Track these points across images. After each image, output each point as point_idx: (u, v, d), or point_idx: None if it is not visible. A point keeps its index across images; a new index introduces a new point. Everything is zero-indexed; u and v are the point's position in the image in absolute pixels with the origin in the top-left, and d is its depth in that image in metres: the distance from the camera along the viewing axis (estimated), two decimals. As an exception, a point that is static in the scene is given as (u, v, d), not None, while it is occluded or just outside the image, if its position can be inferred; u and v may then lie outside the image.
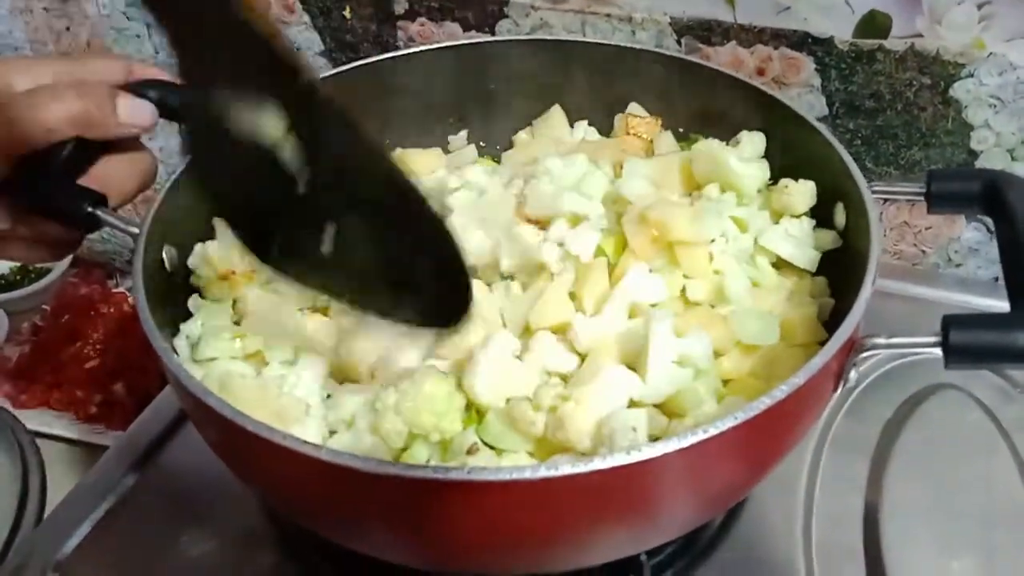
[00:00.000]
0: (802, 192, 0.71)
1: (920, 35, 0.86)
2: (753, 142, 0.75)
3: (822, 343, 0.55)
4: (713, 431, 0.49)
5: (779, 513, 0.73)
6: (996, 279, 0.96)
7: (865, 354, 0.55)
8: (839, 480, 0.75)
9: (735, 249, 0.69)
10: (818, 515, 0.73)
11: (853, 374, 0.56)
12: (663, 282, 0.66)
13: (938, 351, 0.53)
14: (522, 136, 0.87)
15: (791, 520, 0.72)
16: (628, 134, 0.81)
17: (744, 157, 0.74)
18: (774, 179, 0.74)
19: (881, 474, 0.75)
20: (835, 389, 0.57)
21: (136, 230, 0.64)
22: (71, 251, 0.73)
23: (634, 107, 0.84)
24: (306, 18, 1.07)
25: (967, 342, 0.52)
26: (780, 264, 0.70)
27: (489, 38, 0.99)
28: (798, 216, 0.71)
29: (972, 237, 0.95)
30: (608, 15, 0.95)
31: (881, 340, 0.55)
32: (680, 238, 0.66)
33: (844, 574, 0.69)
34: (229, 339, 0.64)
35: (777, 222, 0.72)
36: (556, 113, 0.85)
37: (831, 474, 0.75)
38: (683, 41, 0.94)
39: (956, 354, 0.52)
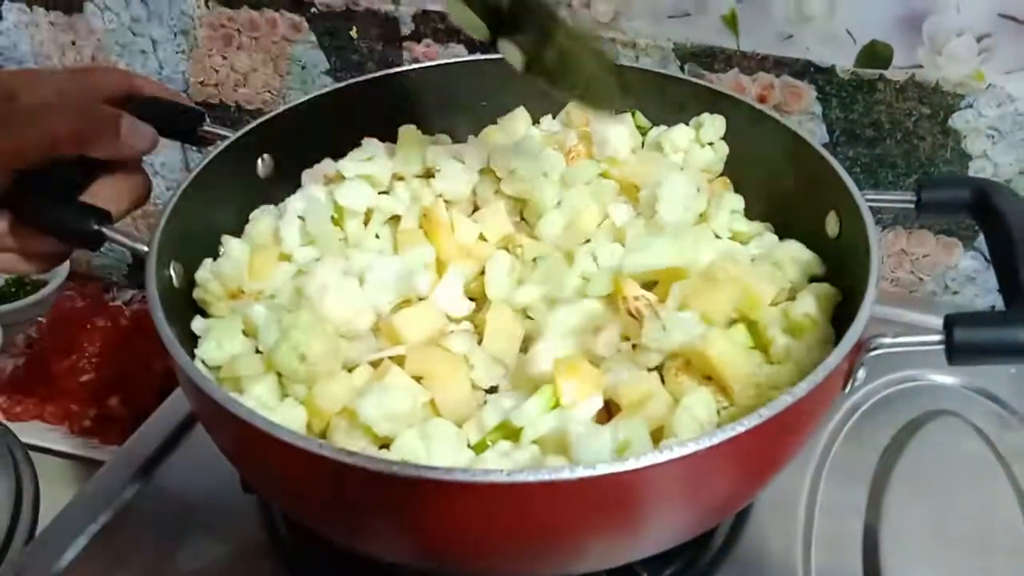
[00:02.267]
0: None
1: (920, 66, 0.87)
2: (714, 126, 0.78)
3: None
4: (740, 428, 0.49)
5: (778, 538, 0.73)
6: (993, 307, 0.97)
7: (872, 353, 0.57)
8: (838, 505, 0.75)
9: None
10: (817, 540, 0.72)
11: (861, 373, 0.58)
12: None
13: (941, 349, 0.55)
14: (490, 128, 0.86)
15: (790, 545, 0.72)
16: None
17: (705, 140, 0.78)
18: (768, 189, 0.76)
19: (880, 500, 0.76)
20: (844, 388, 0.59)
21: (144, 248, 0.64)
22: (59, 263, 0.73)
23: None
24: (312, 37, 1.08)
25: (969, 339, 0.55)
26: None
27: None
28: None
29: (969, 265, 0.96)
30: (612, 40, 0.96)
31: (888, 339, 0.57)
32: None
33: (844, 599, 0.69)
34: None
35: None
36: (520, 112, 0.85)
37: (830, 499, 0.75)
38: (686, 68, 0.95)
39: (959, 351, 0.55)
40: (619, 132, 0.80)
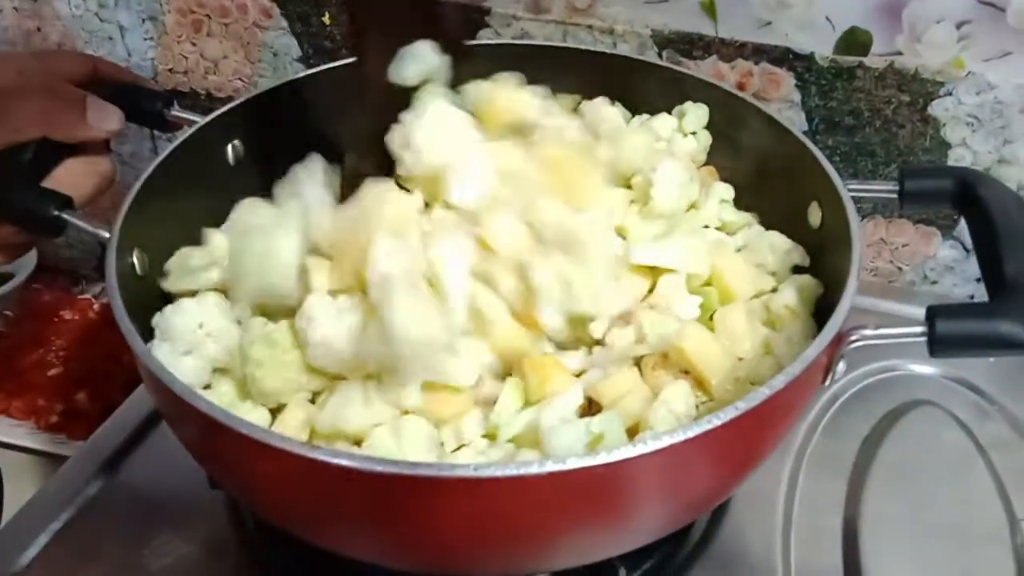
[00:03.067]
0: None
1: (900, 53, 0.86)
2: (697, 115, 0.78)
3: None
4: (716, 421, 0.48)
5: (757, 532, 0.72)
6: (972, 296, 0.97)
7: (852, 345, 0.56)
8: (817, 498, 0.74)
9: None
10: (796, 534, 0.72)
11: (841, 366, 0.57)
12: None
13: (923, 341, 0.54)
14: None
15: (769, 539, 0.71)
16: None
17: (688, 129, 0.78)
18: (749, 178, 0.75)
19: (859, 491, 0.75)
20: (823, 381, 0.58)
21: (106, 234, 0.62)
22: (23, 252, 0.71)
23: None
24: (284, 23, 1.06)
25: (951, 331, 0.54)
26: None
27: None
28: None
29: (948, 255, 0.95)
30: (590, 26, 0.95)
31: (868, 331, 0.56)
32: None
33: (823, 592, 0.68)
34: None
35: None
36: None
37: (809, 492, 0.75)
38: (664, 54, 0.93)
39: (941, 343, 0.54)
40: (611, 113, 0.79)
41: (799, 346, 0.62)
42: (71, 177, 0.64)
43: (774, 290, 0.68)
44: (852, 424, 0.80)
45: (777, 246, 0.71)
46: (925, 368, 0.84)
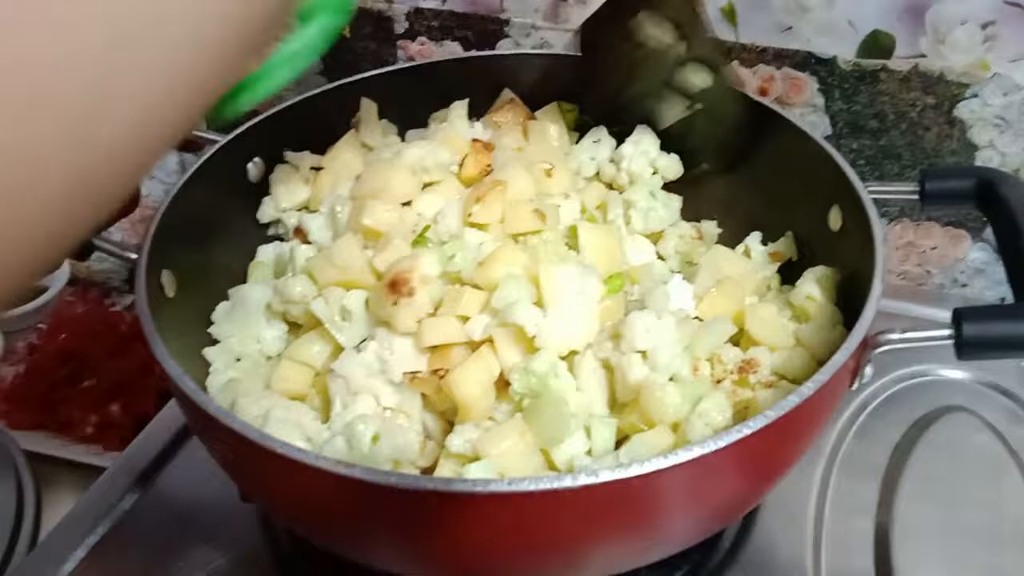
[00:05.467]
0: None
1: (924, 55, 0.85)
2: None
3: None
4: (747, 430, 0.48)
5: (788, 538, 0.72)
6: (1003, 299, 0.96)
7: (879, 349, 0.56)
8: (849, 504, 0.74)
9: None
10: (828, 540, 0.72)
11: (868, 369, 0.57)
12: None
13: (950, 344, 0.54)
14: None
15: (801, 545, 0.71)
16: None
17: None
18: (768, 181, 0.76)
19: (891, 497, 0.75)
20: (851, 385, 0.58)
21: (134, 255, 0.63)
22: (51, 272, 0.72)
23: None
24: (307, 37, 1.07)
25: (979, 334, 0.54)
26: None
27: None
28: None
29: (978, 257, 0.94)
30: (611, 35, 0.95)
31: (895, 335, 0.56)
32: None
33: (855, 599, 0.68)
34: None
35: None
36: (458, 107, 0.82)
37: (840, 498, 0.74)
38: (686, 61, 0.93)
39: (968, 346, 0.54)
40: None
41: (827, 333, 0.62)
42: None
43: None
44: (883, 429, 0.80)
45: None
46: (956, 373, 0.83)
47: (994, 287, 0.95)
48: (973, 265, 0.95)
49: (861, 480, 0.76)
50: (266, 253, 0.76)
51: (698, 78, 0.75)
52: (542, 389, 0.57)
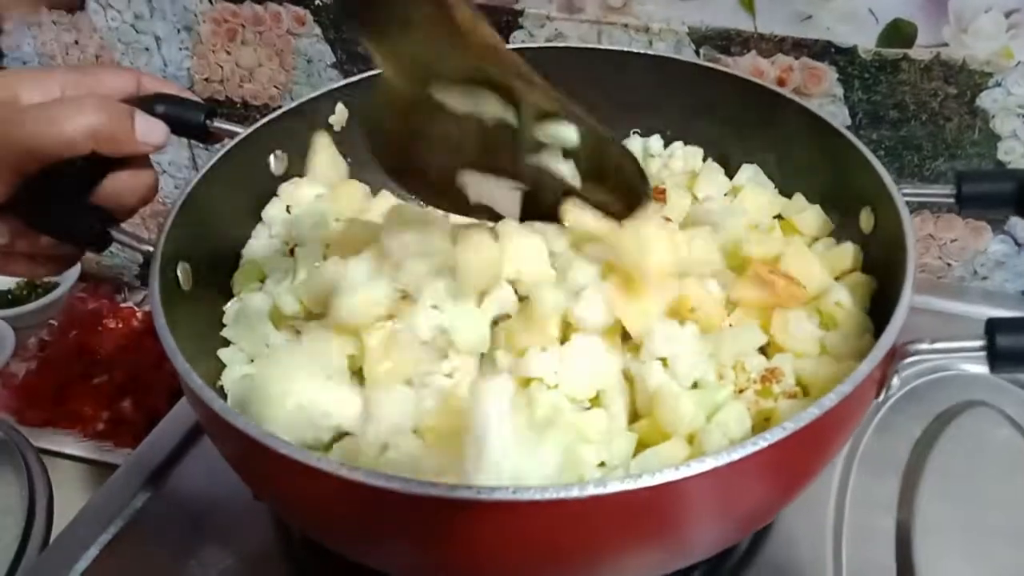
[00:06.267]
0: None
1: (946, 44, 0.84)
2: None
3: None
4: (763, 442, 0.47)
5: (808, 534, 0.71)
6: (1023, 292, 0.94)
7: (908, 359, 0.54)
8: (869, 499, 0.73)
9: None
10: (848, 535, 0.70)
11: (896, 380, 0.55)
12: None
13: (982, 356, 0.52)
14: None
15: (821, 541, 0.70)
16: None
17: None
18: (794, 185, 0.74)
19: (912, 493, 0.73)
20: (877, 396, 0.56)
21: (150, 248, 0.62)
22: (70, 266, 0.72)
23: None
24: (317, 30, 1.06)
25: (1014, 346, 0.52)
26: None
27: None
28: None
29: (999, 249, 0.93)
30: (625, 25, 0.93)
31: (924, 346, 0.54)
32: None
33: (877, 596, 0.67)
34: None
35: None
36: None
37: (861, 493, 0.73)
38: (701, 51, 0.92)
39: (1002, 359, 0.52)
40: None
41: (854, 343, 0.61)
42: (117, 191, 0.64)
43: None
44: (904, 425, 0.79)
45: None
46: (977, 368, 0.81)
47: (1015, 279, 0.94)
48: (994, 258, 0.93)
49: (882, 476, 0.75)
50: (257, 249, 0.74)
51: (562, 135, 0.57)
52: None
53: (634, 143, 0.83)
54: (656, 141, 0.83)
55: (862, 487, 0.74)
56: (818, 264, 0.65)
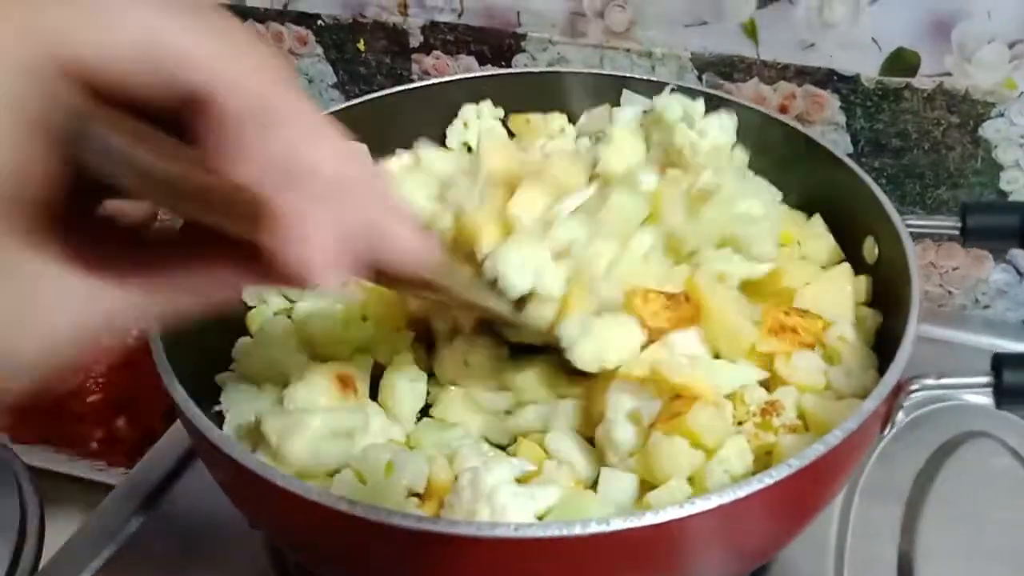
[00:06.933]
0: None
1: (949, 74, 0.84)
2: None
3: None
4: (768, 480, 0.47)
5: (810, 564, 0.70)
6: (1024, 322, 0.94)
7: (913, 396, 0.55)
8: (871, 529, 0.72)
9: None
10: (850, 564, 0.70)
11: (900, 415, 0.55)
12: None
13: (988, 392, 0.53)
14: None
15: (823, 570, 0.70)
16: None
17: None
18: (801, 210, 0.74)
19: (914, 523, 0.73)
20: (882, 431, 0.56)
21: None
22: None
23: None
24: (319, 50, 1.06)
25: (1020, 382, 0.52)
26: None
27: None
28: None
29: (1001, 278, 0.92)
30: (627, 50, 0.93)
31: (930, 381, 0.54)
32: None
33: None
34: None
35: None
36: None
37: (863, 523, 0.73)
38: (704, 78, 0.92)
39: (1009, 395, 0.52)
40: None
41: (858, 379, 0.60)
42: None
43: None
44: (906, 454, 0.78)
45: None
46: (979, 398, 0.81)
47: (1016, 308, 0.94)
48: (996, 286, 0.93)
49: (884, 505, 0.74)
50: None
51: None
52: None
53: (672, 102, 0.77)
54: (699, 105, 0.77)
55: (864, 516, 0.73)
56: (838, 293, 0.65)
